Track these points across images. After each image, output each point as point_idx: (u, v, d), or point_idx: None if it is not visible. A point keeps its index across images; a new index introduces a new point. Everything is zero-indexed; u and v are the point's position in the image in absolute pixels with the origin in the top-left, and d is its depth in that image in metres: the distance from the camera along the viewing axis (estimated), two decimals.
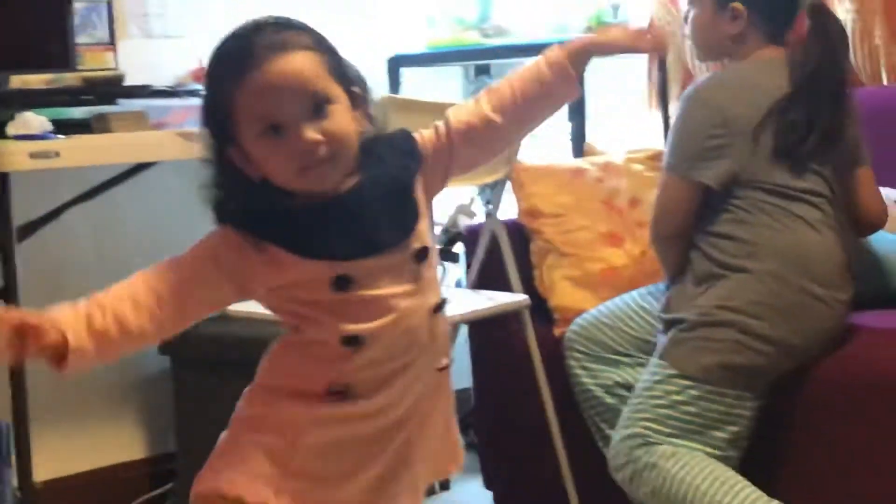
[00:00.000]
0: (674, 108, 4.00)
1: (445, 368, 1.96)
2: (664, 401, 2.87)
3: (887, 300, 3.18)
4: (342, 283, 1.78)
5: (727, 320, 2.87)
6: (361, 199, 1.82)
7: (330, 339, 1.80)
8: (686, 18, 3.22)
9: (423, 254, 1.85)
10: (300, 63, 1.76)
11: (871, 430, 2.86)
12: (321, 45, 1.82)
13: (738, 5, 3.05)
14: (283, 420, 1.86)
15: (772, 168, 2.91)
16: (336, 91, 1.78)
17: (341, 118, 1.77)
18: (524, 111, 2.00)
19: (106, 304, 1.79)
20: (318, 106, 1.74)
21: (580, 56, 1.99)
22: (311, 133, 1.72)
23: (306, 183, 1.77)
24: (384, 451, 1.91)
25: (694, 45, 3.27)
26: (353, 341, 1.80)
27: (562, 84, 1.98)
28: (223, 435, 1.94)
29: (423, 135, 1.94)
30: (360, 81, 1.87)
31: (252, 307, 3.46)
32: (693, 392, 2.86)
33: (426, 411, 1.95)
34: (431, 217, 1.97)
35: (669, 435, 2.84)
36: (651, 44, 2.10)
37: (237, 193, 1.83)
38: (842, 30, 3.10)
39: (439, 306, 1.89)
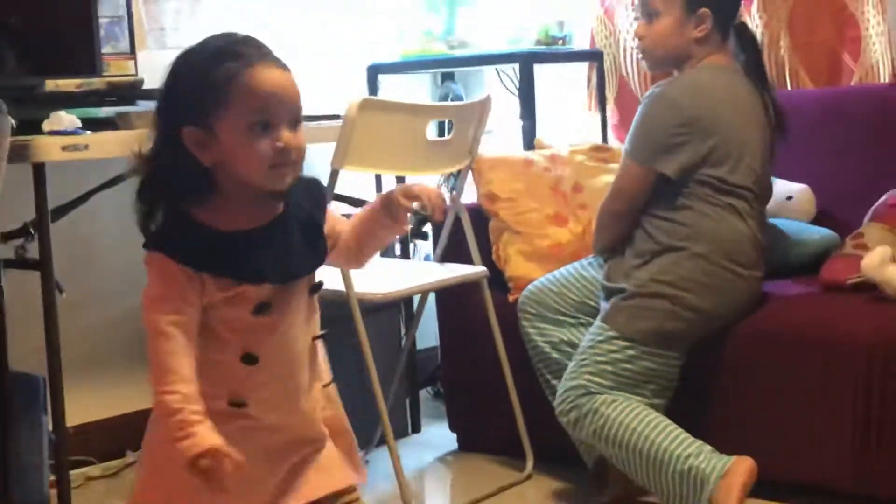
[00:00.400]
0: (610, 109, 4.14)
1: (328, 385, 1.94)
2: (605, 358, 2.87)
3: (787, 272, 3.22)
4: (263, 308, 1.75)
5: (661, 292, 2.89)
6: (287, 229, 1.80)
7: (231, 358, 1.75)
8: (637, 32, 3.16)
9: (317, 288, 1.85)
10: (293, 83, 1.77)
11: (778, 376, 2.90)
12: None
13: (705, 10, 3.01)
14: None
15: (715, 162, 2.92)
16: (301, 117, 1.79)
17: (304, 137, 1.77)
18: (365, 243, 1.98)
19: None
20: (296, 121, 1.75)
21: (390, 202, 1.90)
22: (291, 138, 1.72)
23: (272, 177, 1.74)
24: (283, 463, 1.87)
25: (651, 53, 3.15)
26: (250, 359, 1.75)
27: (384, 219, 1.93)
28: (141, 456, 1.91)
29: (330, 213, 1.93)
30: None
31: None
32: (630, 352, 2.87)
33: (316, 432, 1.90)
34: None
35: (608, 387, 2.84)
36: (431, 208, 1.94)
37: (179, 172, 1.75)
38: (758, 43, 3.13)
39: (319, 336, 1.88)
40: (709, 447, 2.73)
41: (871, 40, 3.60)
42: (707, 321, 2.92)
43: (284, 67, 1.77)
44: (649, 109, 2.97)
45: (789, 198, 3.47)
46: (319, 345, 1.90)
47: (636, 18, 3.18)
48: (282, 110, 1.73)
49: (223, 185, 1.75)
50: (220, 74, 1.71)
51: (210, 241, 1.73)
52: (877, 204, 3.18)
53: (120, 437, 3.54)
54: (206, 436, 1.61)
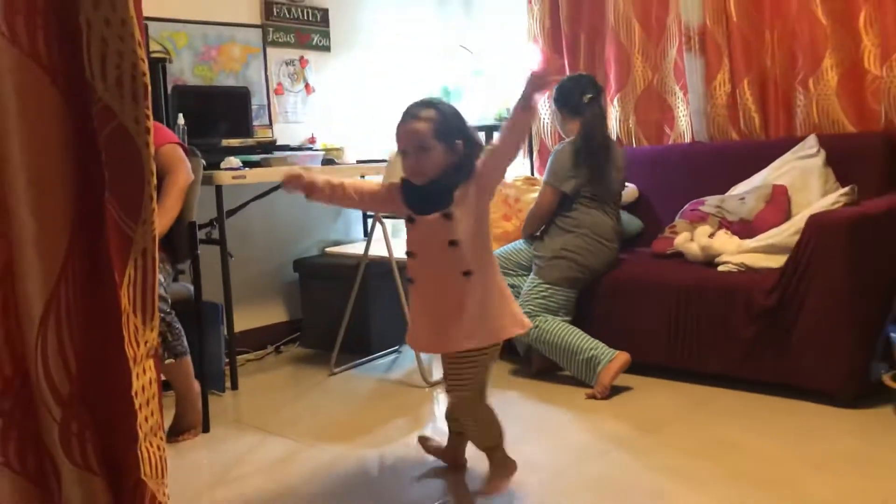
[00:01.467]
0: (535, 157, 4.02)
1: (468, 274, 1.88)
2: (538, 296, 2.88)
3: (628, 244, 3.22)
4: (409, 220, 1.94)
5: (565, 256, 2.91)
6: (428, 191, 1.89)
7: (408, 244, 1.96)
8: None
9: (448, 216, 1.86)
10: (417, 126, 1.86)
11: (629, 305, 2.91)
12: (436, 118, 1.86)
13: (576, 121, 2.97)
14: None
15: (588, 185, 2.93)
16: (432, 143, 1.85)
17: (429, 157, 1.86)
18: (510, 135, 1.88)
19: (337, 181, 2.01)
20: (420, 148, 1.86)
21: (525, 96, 1.83)
22: (411, 161, 1.88)
23: (412, 178, 1.92)
24: (433, 316, 1.93)
25: (559, 124, 3.10)
26: (411, 255, 1.94)
27: (522, 114, 1.85)
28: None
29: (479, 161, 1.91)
30: (465, 138, 1.89)
31: (341, 249, 3.53)
32: (550, 291, 2.89)
33: (457, 299, 1.89)
34: (478, 203, 1.89)
35: (541, 312, 2.85)
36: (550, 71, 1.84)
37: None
38: (604, 117, 3.03)
39: (453, 242, 1.86)
40: (603, 344, 2.75)
41: (679, 119, 3.57)
42: (590, 273, 2.92)
43: (419, 119, 1.85)
44: (556, 156, 2.94)
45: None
46: (456, 249, 1.86)
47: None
48: (408, 142, 1.87)
49: None
50: (396, 128, 1.91)
51: (406, 185, 1.94)
52: (682, 209, 3.18)
53: (264, 338, 3.60)
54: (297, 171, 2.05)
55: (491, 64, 4.16)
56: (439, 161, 1.86)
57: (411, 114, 1.88)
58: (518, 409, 2.67)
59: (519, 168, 4.00)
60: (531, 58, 3.97)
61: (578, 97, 2.96)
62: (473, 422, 2.04)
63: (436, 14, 4.40)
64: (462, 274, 1.89)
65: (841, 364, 2.46)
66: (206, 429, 2.57)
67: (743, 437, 2.29)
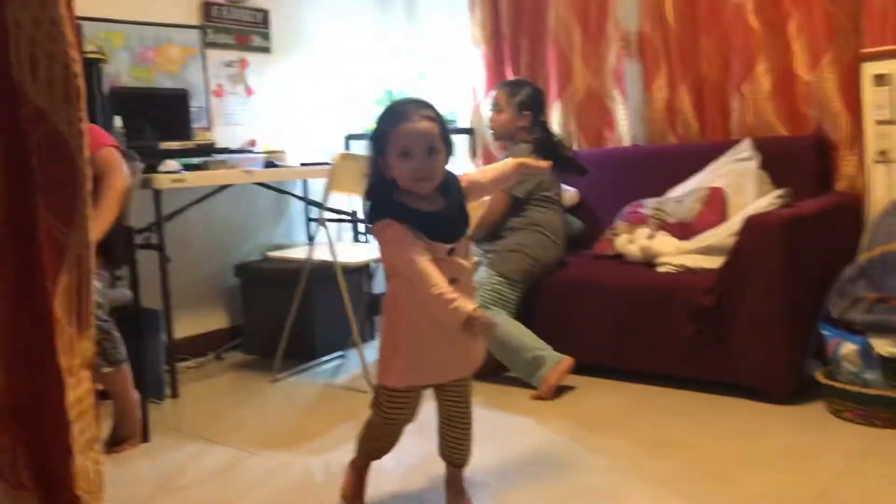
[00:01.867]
0: (479, 161, 4.03)
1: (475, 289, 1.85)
2: (490, 288, 2.88)
3: (567, 247, 3.17)
4: (451, 251, 1.73)
5: (519, 250, 2.95)
6: (452, 214, 1.74)
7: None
8: (490, 119, 3.17)
9: (468, 238, 1.80)
10: (426, 126, 1.68)
11: (573, 305, 2.94)
12: (439, 119, 1.71)
13: (528, 112, 3.08)
14: None
15: (541, 187, 2.99)
16: (440, 146, 1.70)
17: (437, 161, 1.70)
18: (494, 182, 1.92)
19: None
20: (431, 150, 1.68)
21: (517, 171, 1.93)
22: (420, 164, 1.67)
23: (416, 186, 1.70)
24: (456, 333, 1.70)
25: (494, 133, 3.19)
26: (454, 282, 1.69)
27: (512, 176, 1.94)
28: (382, 345, 1.86)
29: (461, 177, 1.82)
30: (452, 144, 1.75)
31: (283, 253, 3.49)
32: (504, 283, 2.91)
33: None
34: None
35: (492, 305, 2.86)
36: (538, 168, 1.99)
37: (379, 185, 1.74)
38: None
39: (475, 262, 1.86)
40: (550, 347, 2.76)
41: (619, 123, 3.59)
42: (541, 267, 2.96)
43: (425, 118, 1.68)
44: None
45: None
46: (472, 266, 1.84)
47: (490, 111, 3.18)
48: (416, 144, 1.67)
49: (404, 189, 1.72)
50: (387, 128, 1.69)
51: (415, 216, 1.69)
52: (622, 211, 3.20)
53: (205, 344, 3.54)
54: (467, 303, 1.62)
55: (434, 67, 4.19)
56: (443, 167, 1.73)
57: (415, 112, 1.69)
58: None
59: (464, 172, 3.98)
60: (474, 63, 3.99)
61: (541, 104, 3.11)
62: (468, 442, 1.95)
63: (378, 17, 4.40)
64: (474, 288, 1.88)
65: (776, 362, 2.52)
66: (145, 438, 2.53)
67: (684, 435, 2.33)
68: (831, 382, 2.41)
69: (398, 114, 1.70)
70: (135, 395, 2.49)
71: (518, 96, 3.09)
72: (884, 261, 2.77)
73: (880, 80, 2.98)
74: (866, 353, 2.32)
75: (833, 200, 2.89)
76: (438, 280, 1.65)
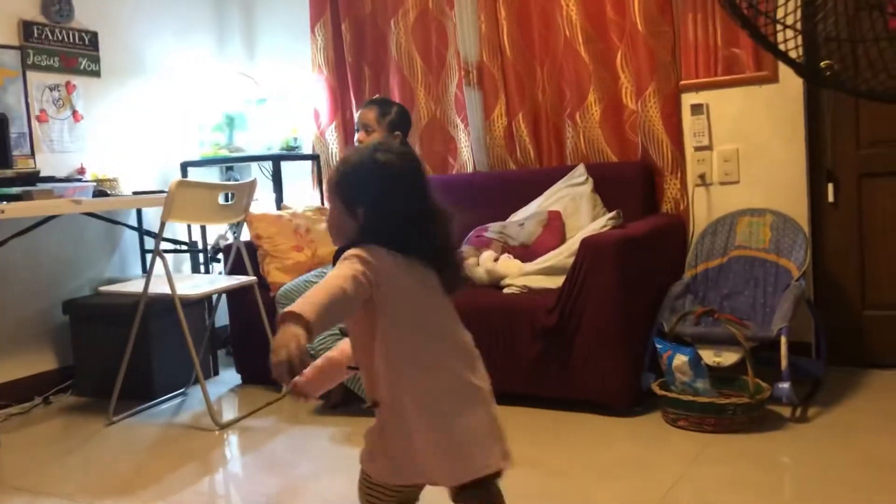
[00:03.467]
0: (324, 187, 4.01)
1: None
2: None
3: None
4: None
5: None
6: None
7: None
8: (359, 138, 3.04)
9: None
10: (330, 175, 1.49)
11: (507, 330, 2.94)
12: (337, 171, 1.47)
13: (398, 132, 2.99)
14: None
15: None
16: (332, 199, 1.48)
17: (330, 215, 1.50)
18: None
19: None
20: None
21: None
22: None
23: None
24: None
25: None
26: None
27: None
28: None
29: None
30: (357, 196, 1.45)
31: (117, 287, 3.30)
32: None
33: None
34: None
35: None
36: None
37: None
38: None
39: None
40: None
41: (462, 150, 3.67)
42: None
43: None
44: None
45: None
46: None
47: (357, 130, 3.07)
48: None
49: None
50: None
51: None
52: (468, 236, 3.21)
53: (30, 388, 3.29)
54: (288, 326, 1.21)
55: (274, 92, 4.11)
56: (333, 223, 1.50)
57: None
58: (317, 445, 2.62)
59: (309, 199, 3.96)
60: (316, 87, 3.96)
61: (409, 123, 3.11)
62: None
63: (215, 40, 4.29)
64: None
65: (616, 376, 2.63)
66: None
67: (533, 452, 2.37)
68: (666, 393, 2.55)
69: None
70: None
71: (388, 116, 3.03)
72: (706, 276, 2.99)
73: (697, 109, 3.22)
74: (696, 364, 2.48)
75: (660, 221, 3.08)
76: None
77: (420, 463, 1.40)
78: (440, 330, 1.45)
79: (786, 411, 2.57)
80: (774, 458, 2.26)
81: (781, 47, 1.45)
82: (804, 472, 2.18)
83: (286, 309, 1.24)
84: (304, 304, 1.25)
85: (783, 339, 2.53)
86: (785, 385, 2.48)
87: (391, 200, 1.41)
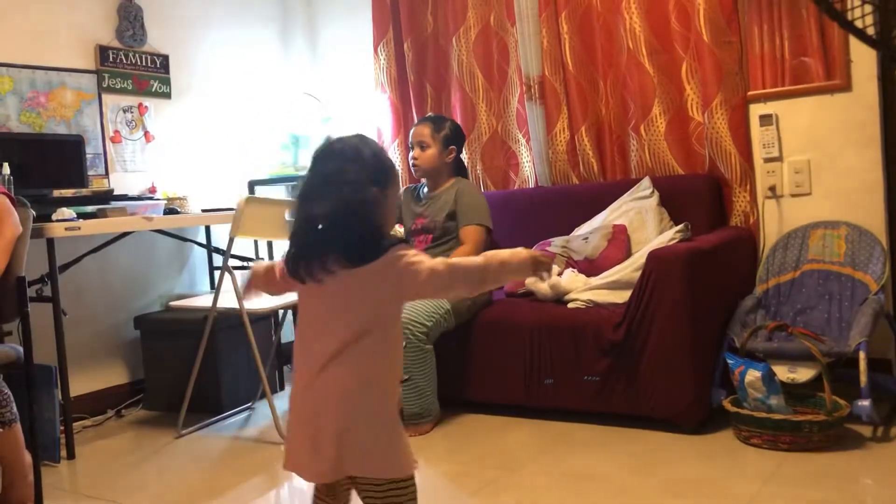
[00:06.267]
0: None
1: None
2: (441, 317, 2.86)
3: None
4: None
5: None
6: None
7: None
8: (414, 155, 3.10)
9: None
10: None
11: (485, 344, 2.92)
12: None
13: (453, 147, 3.12)
14: None
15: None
16: None
17: None
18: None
19: None
20: None
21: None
22: None
23: None
24: None
25: (419, 170, 3.13)
26: None
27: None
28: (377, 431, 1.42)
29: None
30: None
31: (186, 302, 3.35)
32: (448, 314, 2.87)
33: None
34: None
35: (432, 337, 2.83)
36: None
37: None
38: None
39: None
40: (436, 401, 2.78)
41: (524, 165, 3.66)
42: (464, 310, 2.91)
43: None
44: (478, 195, 3.10)
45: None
46: None
47: (412, 147, 3.13)
48: None
49: None
50: None
51: None
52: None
53: (103, 401, 3.39)
54: (516, 251, 1.33)
55: (338, 111, 4.18)
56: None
57: None
58: None
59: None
60: (379, 105, 4.01)
61: (463, 138, 3.20)
62: None
63: (281, 61, 4.38)
64: None
65: (684, 392, 2.57)
66: (38, 502, 2.34)
67: (599, 468, 2.34)
68: (738, 410, 2.48)
69: None
70: (27, 458, 2.31)
71: (443, 131, 3.10)
72: (778, 291, 2.91)
73: (766, 119, 3.15)
74: (769, 380, 2.40)
75: (729, 234, 3.01)
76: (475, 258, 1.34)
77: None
78: None
79: (866, 430, 2.47)
80: (855, 479, 2.17)
81: (858, 24, 1.41)
82: (889, 496, 2.08)
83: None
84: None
85: (862, 355, 2.43)
86: (865, 403, 2.38)
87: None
